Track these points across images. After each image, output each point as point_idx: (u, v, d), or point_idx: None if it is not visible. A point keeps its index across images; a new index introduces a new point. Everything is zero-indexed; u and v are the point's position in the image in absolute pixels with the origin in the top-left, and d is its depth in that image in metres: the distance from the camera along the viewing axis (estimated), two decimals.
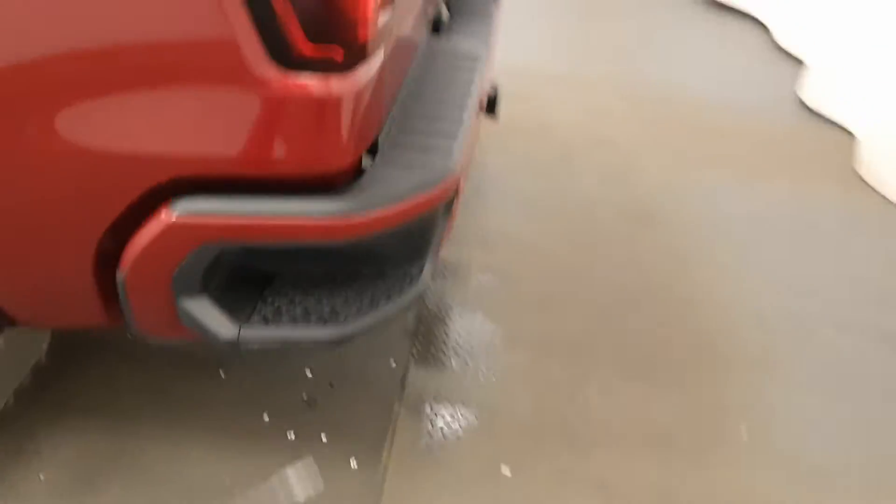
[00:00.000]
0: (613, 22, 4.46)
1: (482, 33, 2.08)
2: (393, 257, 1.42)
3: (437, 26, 1.83)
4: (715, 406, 2.10)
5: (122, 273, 1.27)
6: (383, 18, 1.16)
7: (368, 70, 1.18)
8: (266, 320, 1.33)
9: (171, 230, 1.20)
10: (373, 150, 1.34)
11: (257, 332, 1.32)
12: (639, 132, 3.36)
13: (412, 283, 1.41)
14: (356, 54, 1.14)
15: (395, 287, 1.40)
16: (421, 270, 1.43)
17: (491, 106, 2.31)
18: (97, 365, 1.99)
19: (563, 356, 2.21)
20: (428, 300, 2.33)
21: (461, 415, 2.00)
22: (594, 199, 2.90)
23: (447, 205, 1.46)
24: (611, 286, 2.49)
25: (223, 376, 2.03)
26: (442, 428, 1.96)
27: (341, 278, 1.41)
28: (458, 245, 2.57)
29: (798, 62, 4.01)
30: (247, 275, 1.39)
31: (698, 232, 2.78)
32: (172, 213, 1.20)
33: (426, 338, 2.21)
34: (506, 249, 2.59)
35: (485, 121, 3.16)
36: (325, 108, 1.15)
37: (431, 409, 2.01)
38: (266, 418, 1.94)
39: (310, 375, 2.06)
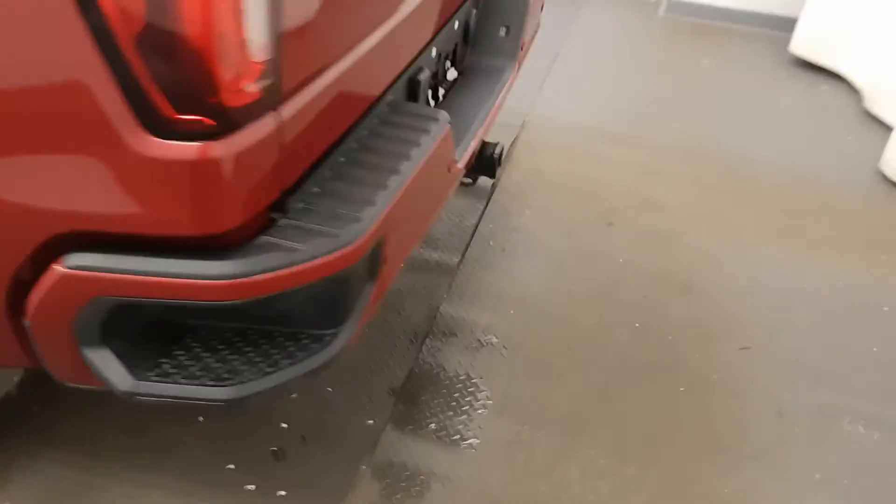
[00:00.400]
0: (691, 80, 4.30)
1: (480, 95, 2.05)
2: (305, 321, 1.40)
3: (414, 87, 1.81)
4: (705, 500, 1.94)
5: (28, 320, 1.31)
6: (264, 83, 1.16)
7: (253, 134, 1.18)
8: (164, 376, 1.33)
9: (62, 282, 1.24)
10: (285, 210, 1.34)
11: (154, 387, 1.33)
12: (694, 197, 3.21)
13: (322, 349, 1.39)
14: (230, 120, 1.14)
15: (303, 351, 1.38)
16: (335, 336, 1.40)
17: (490, 166, 2.28)
18: (86, 401, 2.06)
19: (551, 429, 2.11)
20: (422, 358, 2.29)
21: (425, 482, 1.94)
22: (628, 265, 2.78)
23: (368, 271, 1.43)
24: (623, 358, 2.37)
25: (202, 421, 2.06)
26: (400, 495, 1.90)
27: (253, 338, 1.40)
28: (468, 304, 2.51)
29: (888, 129, 3.73)
30: (164, 328, 1.41)
31: (733, 307, 2.61)
32: (63, 266, 1.23)
33: (411, 398, 2.16)
34: (519, 311, 2.52)
35: (531, 176, 3.13)
36: (200, 173, 1.15)
37: (398, 472, 1.96)
38: (232, 467, 1.95)
39: (285, 427, 2.06)
